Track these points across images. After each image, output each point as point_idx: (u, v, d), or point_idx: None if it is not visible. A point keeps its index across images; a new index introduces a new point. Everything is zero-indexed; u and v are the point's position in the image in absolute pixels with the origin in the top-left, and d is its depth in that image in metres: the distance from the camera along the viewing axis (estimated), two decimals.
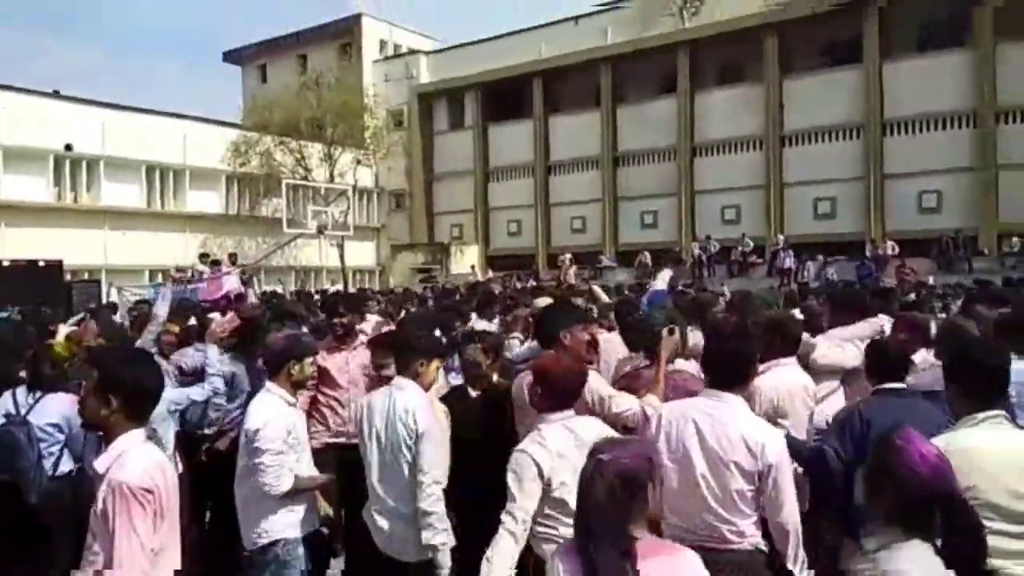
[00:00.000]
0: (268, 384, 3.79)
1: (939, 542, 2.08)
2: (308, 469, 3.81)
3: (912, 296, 10.82)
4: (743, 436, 2.88)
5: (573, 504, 2.73)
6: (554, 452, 2.88)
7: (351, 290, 22.34)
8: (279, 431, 3.58)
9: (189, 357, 5.63)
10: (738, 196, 27.76)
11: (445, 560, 3.35)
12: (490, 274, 28.66)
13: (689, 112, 28.51)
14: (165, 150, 27.30)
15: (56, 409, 4.42)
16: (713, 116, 28.09)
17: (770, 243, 25.20)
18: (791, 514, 2.89)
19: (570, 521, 2.54)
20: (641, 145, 29.85)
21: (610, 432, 2.97)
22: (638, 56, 28.95)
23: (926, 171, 24.22)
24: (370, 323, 6.85)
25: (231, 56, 40.32)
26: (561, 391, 3.05)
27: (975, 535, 2.07)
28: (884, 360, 3.70)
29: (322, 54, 35.52)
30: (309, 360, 3.87)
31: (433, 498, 3.34)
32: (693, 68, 28.33)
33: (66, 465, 4.41)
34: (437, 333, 4.00)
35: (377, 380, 4.24)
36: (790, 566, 2.90)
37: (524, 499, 2.82)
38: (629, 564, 1.95)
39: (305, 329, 5.89)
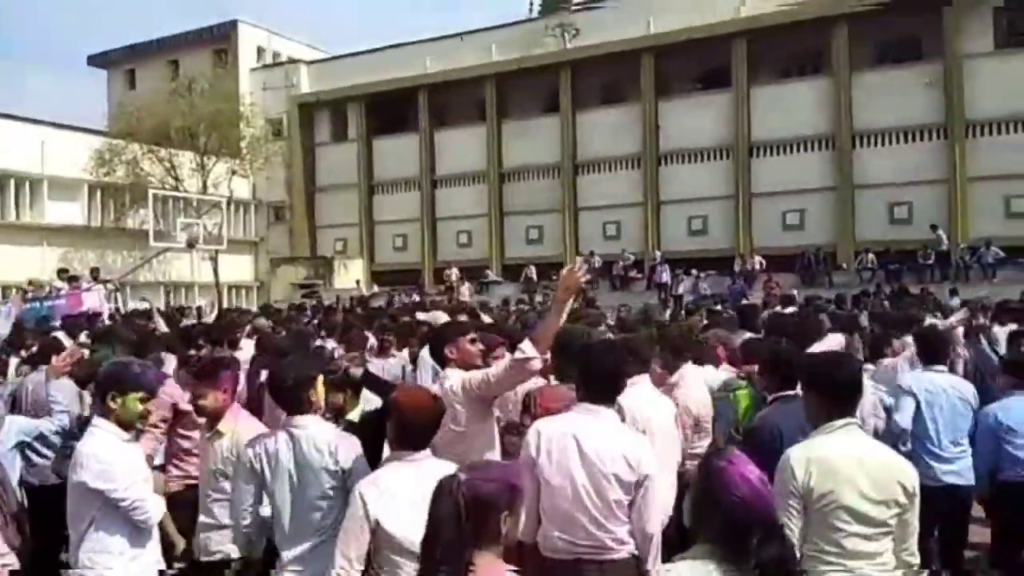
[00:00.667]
0: (96, 420, 3.31)
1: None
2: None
3: (779, 308, 11.39)
4: (621, 449, 2.99)
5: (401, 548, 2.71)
6: (385, 491, 2.80)
7: (224, 305, 21.43)
8: (126, 465, 3.22)
9: (32, 382, 5.16)
10: (618, 213, 28.56)
11: None
12: (375, 289, 28.23)
13: (572, 130, 29.16)
14: (20, 158, 25.45)
15: None
16: (594, 135, 28.82)
17: (649, 258, 26.04)
18: (655, 521, 3.05)
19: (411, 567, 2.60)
20: (526, 161, 30.25)
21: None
22: (522, 74, 29.40)
23: (790, 191, 25.72)
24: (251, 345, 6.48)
25: (96, 59, 38.06)
26: (415, 429, 2.91)
27: (784, 564, 2.01)
28: (784, 369, 3.91)
29: (195, 60, 34.07)
30: (137, 395, 3.26)
31: None
32: (575, 88, 29.01)
33: None
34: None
35: (195, 410, 3.85)
36: (650, 567, 3.00)
37: (351, 541, 2.79)
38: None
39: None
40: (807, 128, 25.62)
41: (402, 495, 2.76)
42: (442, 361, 3.88)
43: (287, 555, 3.22)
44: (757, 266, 23.91)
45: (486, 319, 6.78)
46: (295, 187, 33.96)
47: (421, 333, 6.28)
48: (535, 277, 26.52)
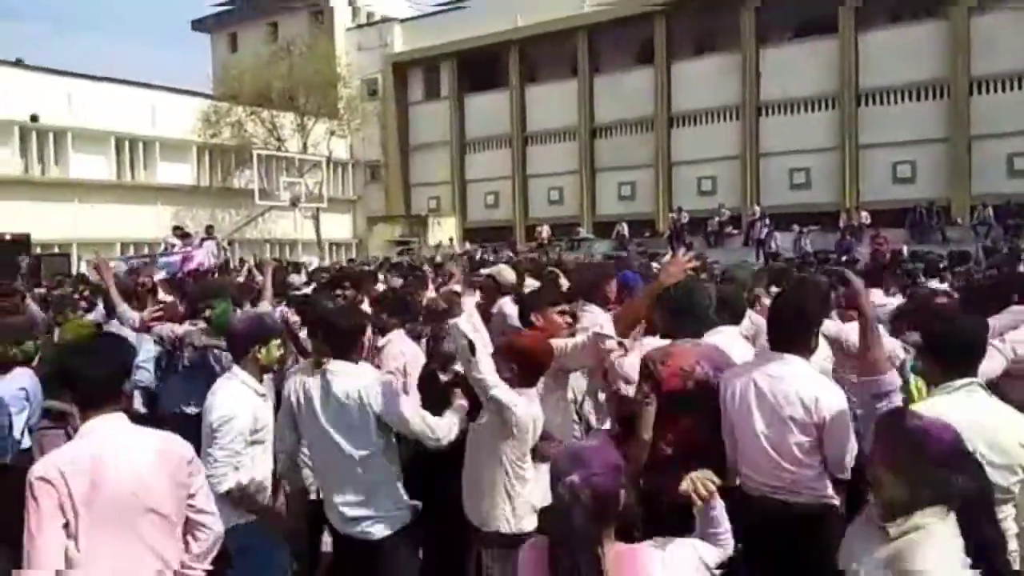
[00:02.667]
0: (235, 369, 3.52)
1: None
2: (265, 462, 3.55)
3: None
4: (798, 392, 3.06)
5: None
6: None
7: (326, 264, 22.15)
8: (244, 426, 3.34)
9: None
10: (715, 167, 27.78)
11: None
12: (467, 246, 28.56)
13: (666, 82, 28.38)
14: (134, 121, 26.72)
15: (18, 378, 4.30)
16: (690, 86, 27.97)
17: (746, 214, 25.30)
18: (848, 462, 3.09)
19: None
20: (618, 116, 29.70)
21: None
22: (614, 25, 28.69)
23: (900, 142, 24.36)
24: None
25: (199, 24, 39.38)
26: (539, 369, 3.21)
27: (987, 493, 2.14)
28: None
29: (293, 22, 34.77)
30: (276, 342, 3.57)
31: (429, 426, 3.36)
32: (670, 37, 28.15)
33: (26, 442, 4.18)
34: None
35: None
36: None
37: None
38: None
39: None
40: (920, 74, 24.07)
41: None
42: (528, 326, 3.91)
43: (332, 499, 3.40)
44: (864, 221, 22.86)
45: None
46: (390, 146, 34.50)
47: (487, 286, 6.30)
48: (627, 234, 26.22)
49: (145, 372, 5.15)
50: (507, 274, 6.59)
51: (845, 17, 24.84)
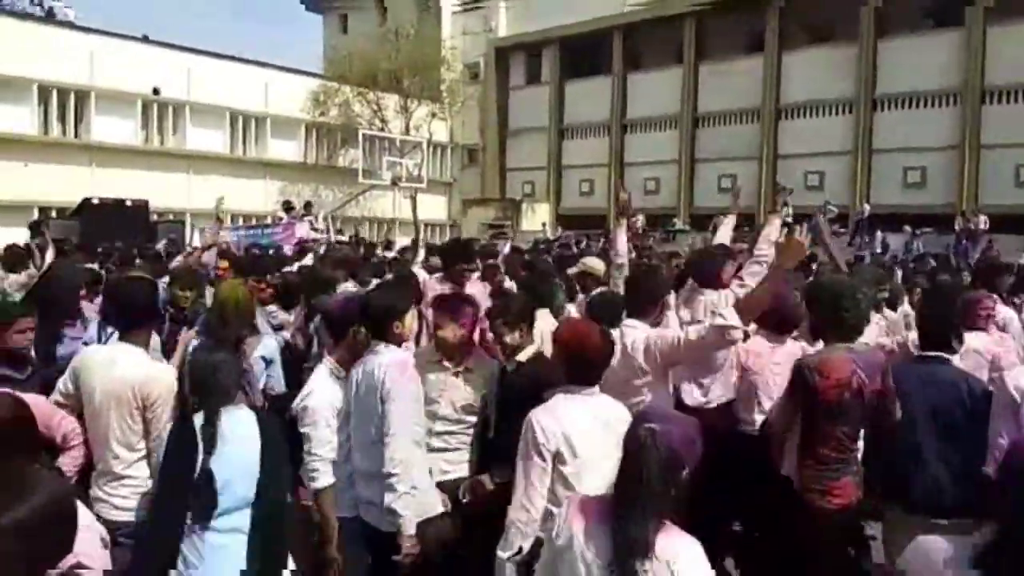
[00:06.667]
0: (327, 358, 3.42)
1: None
2: None
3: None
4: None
5: (579, 484, 2.63)
6: (562, 420, 2.71)
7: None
8: (324, 410, 3.25)
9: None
10: (823, 162, 26.70)
11: (407, 528, 3.00)
12: (559, 232, 28.49)
13: (776, 72, 27.42)
14: (248, 97, 27.84)
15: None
16: (801, 77, 26.93)
17: (854, 212, 24.22)
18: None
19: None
20: (723, 106, 28.92)
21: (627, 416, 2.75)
22: (725, 11, 27.91)
23: None
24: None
25: (312, 5, 40.51)
26: (590, 365, 2.83)
27: None
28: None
29: (402, 4, 35.31)
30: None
31: (394, 461, 3.01)
32: (782, 26, 27.16)
33: None
34: None
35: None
36: None
37: (534, 479, 2.68)
38: (653, 537, 1.83)
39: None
40: None
41: (578, 428, 2.70)
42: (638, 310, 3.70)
43: (356, 472, 3.25)
44: (981, 225, 21.45)
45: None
46: (488, 130, 34.70)
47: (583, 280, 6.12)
48: None
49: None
50: (595, 264, 6.31)
51: (972, 10, 23.34)
